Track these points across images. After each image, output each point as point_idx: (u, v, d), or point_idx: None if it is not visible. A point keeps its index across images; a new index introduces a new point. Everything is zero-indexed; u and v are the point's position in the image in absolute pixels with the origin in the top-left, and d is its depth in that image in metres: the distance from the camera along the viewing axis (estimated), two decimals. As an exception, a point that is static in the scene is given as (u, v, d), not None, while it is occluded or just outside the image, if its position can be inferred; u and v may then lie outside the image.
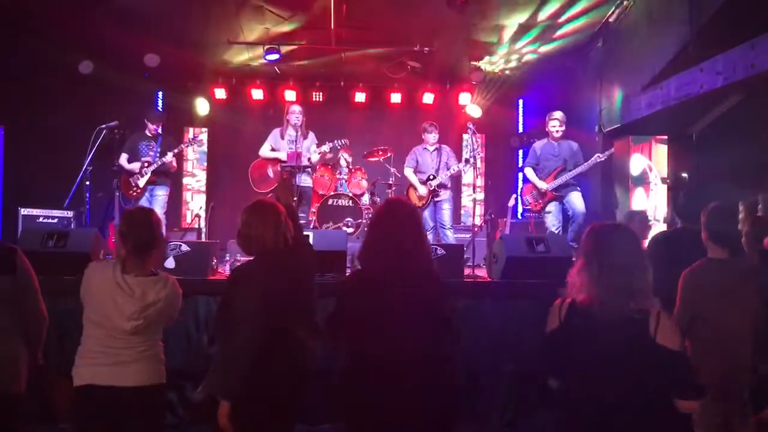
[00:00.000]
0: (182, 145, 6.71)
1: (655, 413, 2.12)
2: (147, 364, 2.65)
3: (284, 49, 7.69)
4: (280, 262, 2.68)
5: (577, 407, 2.22)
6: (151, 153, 6.52)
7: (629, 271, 2.15)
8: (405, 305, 2.35)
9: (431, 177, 6.79)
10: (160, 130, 6.72)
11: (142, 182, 6.42)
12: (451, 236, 6.74)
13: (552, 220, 6.35)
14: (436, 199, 6.78)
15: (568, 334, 2.22)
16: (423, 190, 6.80)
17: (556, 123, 6.37)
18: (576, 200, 6.28)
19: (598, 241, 2.25)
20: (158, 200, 6.57)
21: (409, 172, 7.00)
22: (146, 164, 6.44)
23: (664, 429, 2.18)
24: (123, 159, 6.48)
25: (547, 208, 6.36)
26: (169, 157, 6.44)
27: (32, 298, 2.76)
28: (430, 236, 6.54)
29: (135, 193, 6.43)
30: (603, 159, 6.20)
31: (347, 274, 4.88)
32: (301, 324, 2.76)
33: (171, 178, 6.79)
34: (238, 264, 3.10)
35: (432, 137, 6.90)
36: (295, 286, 2.71)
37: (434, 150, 6.91)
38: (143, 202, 6.45)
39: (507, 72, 8.60)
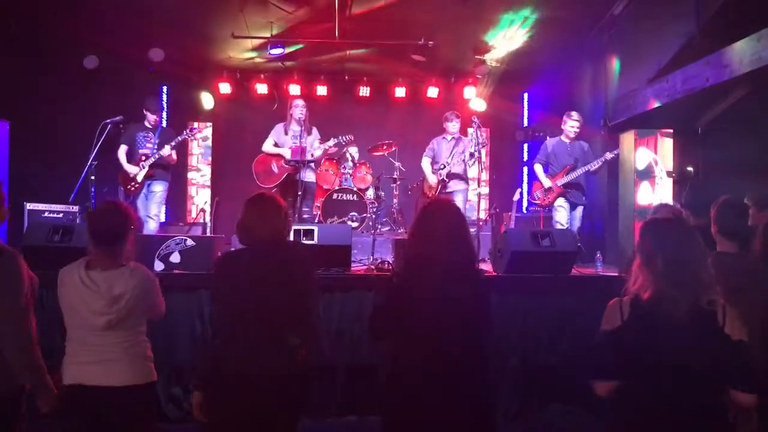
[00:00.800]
0: (179, 137, 6.37)
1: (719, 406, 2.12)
2: (132, 362, 2.59)
3: (288, 45, 7.69)
4: (266, 251, 2.64)
5: (645, 406, 2.16)
6: (149, 145, 6.32)
7: (695, 263, 2.14)
8: (451, 301, 2.34)
9: (443, 166, 6.72)
10: (162, 122, 6.64)
11: (140, 176, 6.23)
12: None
13: (563, 214, 6.31)
14: (446, 190, 6.64)
15: (634, 333, 2.15)
16: (433, 180, 6.73)
17: (575, 124, 6.32)
18: (577, 215, 6.35)
19: (658, 237, 2.22)
20: (155, 197, 6.34)
21: (425, 162, 6.92)
22: (144, 157, 6.25)
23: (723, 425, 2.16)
24: (121, 151, 6.29)
25: (558, 203, 6.33)
26: (167, 150, 6.22)
27: (3, 298, 2.45)
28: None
29: (133, 188, 6.24)
30: (611, 158, 6.20)
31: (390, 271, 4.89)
32: (292, 322, 2.66)
33: (171, 172, 6.57)
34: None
35: (452, 126, 6.83)
36: (283, 279, 2.63)
37: (452, 139, 6.84)
38: (140, 197, 6.28)
39: (511, 65, 8.56)
